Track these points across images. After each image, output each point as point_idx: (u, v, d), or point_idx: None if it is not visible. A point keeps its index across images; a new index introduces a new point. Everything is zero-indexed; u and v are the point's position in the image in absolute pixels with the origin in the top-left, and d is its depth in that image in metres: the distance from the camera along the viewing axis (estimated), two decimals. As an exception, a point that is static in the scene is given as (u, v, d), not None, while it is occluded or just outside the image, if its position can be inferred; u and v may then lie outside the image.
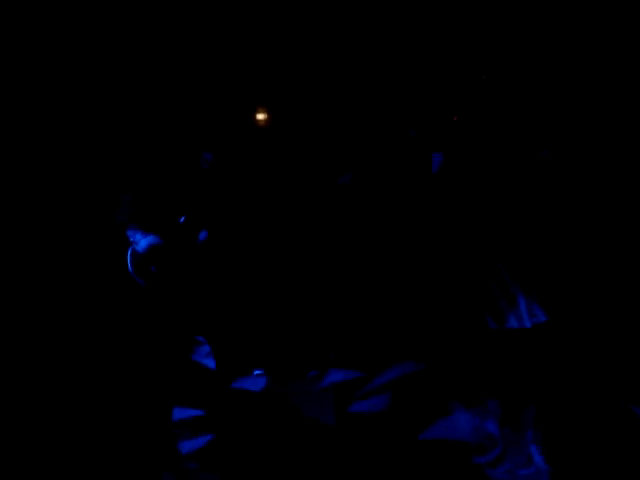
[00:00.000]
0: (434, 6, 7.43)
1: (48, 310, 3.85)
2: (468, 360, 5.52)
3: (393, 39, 7.72)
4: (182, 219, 4.11)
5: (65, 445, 3.99)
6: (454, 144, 6.39)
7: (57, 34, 6.09)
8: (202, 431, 4.77)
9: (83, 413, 4.69)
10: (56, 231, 4.73)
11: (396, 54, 7.85)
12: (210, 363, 5.42)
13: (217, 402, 5.35)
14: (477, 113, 6.33)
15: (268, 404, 5.19)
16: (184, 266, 4.05)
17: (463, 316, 5.13)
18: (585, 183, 5.29)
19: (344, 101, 7.97)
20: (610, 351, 5.04)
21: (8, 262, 3.69)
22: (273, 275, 5.94)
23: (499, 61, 7.29)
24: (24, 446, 3.69)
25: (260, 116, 7.57)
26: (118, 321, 3.99)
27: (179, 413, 4.36)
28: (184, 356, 5.27)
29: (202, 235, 4.12)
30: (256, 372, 5.96)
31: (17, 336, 3.66)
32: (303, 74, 7.74)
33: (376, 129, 7.65)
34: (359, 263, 6.29)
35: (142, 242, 3.56)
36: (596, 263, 5.16)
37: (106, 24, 6.45)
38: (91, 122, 6.01)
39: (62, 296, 4.17)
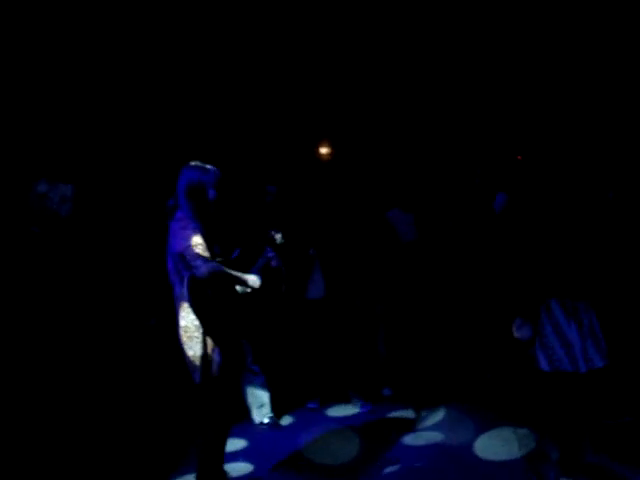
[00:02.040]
0: (501, 49, 7.44)
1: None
2: (518, 400, 5.40)
3: (460, 78, 7.75)
4: (236, 252, 4.18)
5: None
6: (518, 184, 6.34)
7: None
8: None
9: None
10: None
11: (464, 94, 7.87)
12: (265, 393, 5.45)
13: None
14: (541, 153, 6.26)
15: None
16: (240, 296, 4.10)
17: (515, 355, 5.03)
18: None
19: (410, 137, 8.01)
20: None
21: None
22: (326, 306, 5.96)
23: (562, 104, 7.24)
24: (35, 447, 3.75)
25: (323, 150, 7.68)
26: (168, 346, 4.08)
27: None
28: (238, 385, 5.32)
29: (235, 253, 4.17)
30: (310, 405, 5.98)
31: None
32: (368, 111, 7.82)
33: (440, 165, 7.66)
34: (415, 299, 6.27)
35: (202, 268, 3.62)
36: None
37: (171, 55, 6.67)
38: (152, 154, 6.23)
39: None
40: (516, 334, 3.95)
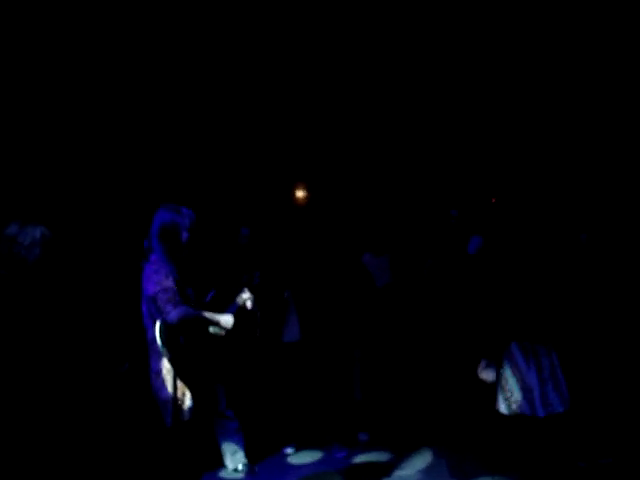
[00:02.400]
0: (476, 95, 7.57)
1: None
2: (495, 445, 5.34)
3: (434, 124, 7.85)
4: (211, 294, 4.15)
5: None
6: (493, 227, 6.39)
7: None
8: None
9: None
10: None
11: (438, 137, 7.96)
12: (239, 439, 5.34)
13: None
14: (515, 196, 6.34)
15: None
16: (213, 340, 4.05)
17: (476, 399, 4.99)
18: (622, 270, 5.20)
19: (384, 180, 8.07)
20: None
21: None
22: (302, 350, 5.92)
23: (536, 149, 7.35)
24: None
25: (299, 193, 7.70)
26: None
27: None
28: (212, 433, 5.22)
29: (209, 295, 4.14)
30: (285, 450, 5.88)
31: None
32: (343, 154, 7.88)
33: (416, 208, 7.70)
34: (392, 342, 6.24)
35: (172, 313, 3.59)
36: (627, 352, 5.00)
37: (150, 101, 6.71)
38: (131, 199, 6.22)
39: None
40: (481, 376, 3.95)
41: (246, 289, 4.29)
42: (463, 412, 6.09)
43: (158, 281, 3.68)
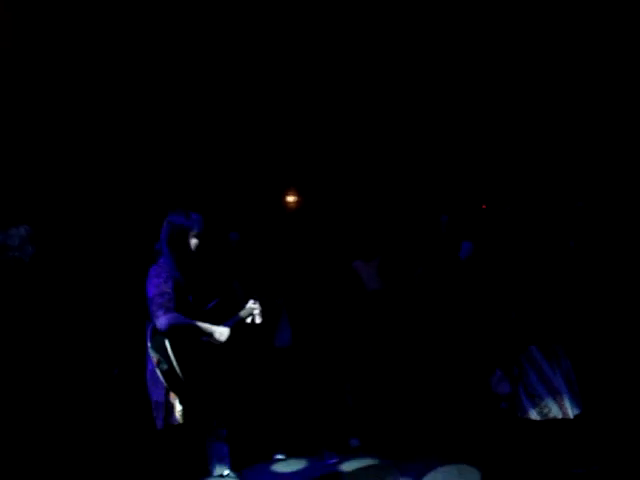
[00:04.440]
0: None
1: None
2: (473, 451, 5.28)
3: (424, 130, 7.86)
4: (213, 302, 4.08)
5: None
6: (483, 232, 6.40)
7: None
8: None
9: None
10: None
11: (429, 142, 7.98)
12: (226, 445, 5.27)
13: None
14: (505, 202, 6.35)
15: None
16: (203, 348, 3.98)
17: (489, 408, 4.97)
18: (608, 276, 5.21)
19: (375, 185, 8.07)
20: None
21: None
22: (293, 355, 5.89)
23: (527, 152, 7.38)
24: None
25: (290, 198, 7.69)
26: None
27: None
28: (200, 438, 5.15)
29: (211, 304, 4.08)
30: (276, 456, 5.84)
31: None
32: (335, 159, 7.87)
33: (406, 213, 7.71)
34: (382, 345, 6.23)
35: (162, 319, 3.55)
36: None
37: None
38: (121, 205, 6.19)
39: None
40: (495, 390, 3.92)
41: (254, 301, 4.23)
42: (456, 419, 6.08)
43: (157, 284, 3.66)
